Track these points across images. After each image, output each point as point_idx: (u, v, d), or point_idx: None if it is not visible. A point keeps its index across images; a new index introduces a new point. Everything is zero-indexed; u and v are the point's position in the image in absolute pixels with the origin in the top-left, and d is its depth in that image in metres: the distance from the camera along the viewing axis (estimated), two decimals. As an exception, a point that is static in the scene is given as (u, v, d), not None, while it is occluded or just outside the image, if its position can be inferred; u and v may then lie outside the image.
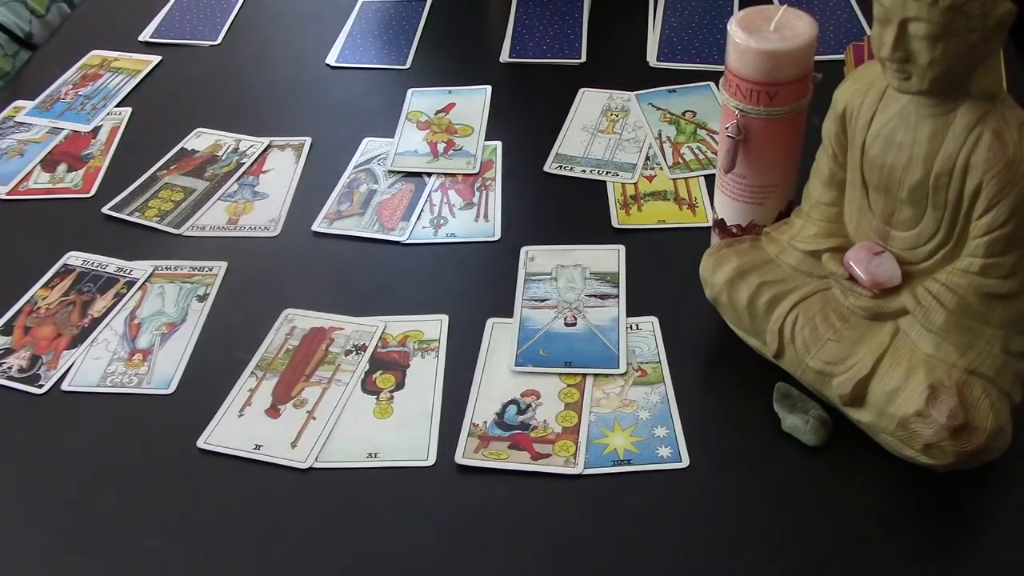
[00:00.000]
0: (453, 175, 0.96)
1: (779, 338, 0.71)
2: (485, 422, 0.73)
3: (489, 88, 1.07)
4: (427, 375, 0.77)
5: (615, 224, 0.89)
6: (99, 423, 0.75)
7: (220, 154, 1.00)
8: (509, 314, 0.81)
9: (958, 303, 0.64)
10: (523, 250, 0.87)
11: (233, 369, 0.78)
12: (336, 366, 0.78)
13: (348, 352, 0.79)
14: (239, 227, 0.92)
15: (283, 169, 0.98)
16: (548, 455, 0.70)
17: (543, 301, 0.82)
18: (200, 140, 1.03)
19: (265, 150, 1.01)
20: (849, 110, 0.68)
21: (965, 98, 0.62)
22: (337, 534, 0.67)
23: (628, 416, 0.73)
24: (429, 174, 0.96)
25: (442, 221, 0.91)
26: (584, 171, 0.96)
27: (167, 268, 0.87)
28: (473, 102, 1.06)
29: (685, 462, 0.70)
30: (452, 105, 1.05)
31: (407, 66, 1.12)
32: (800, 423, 0.70)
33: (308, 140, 1.02)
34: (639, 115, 1.02)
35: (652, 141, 0.98)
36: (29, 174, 0.99)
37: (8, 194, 0.97)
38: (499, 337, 0.79)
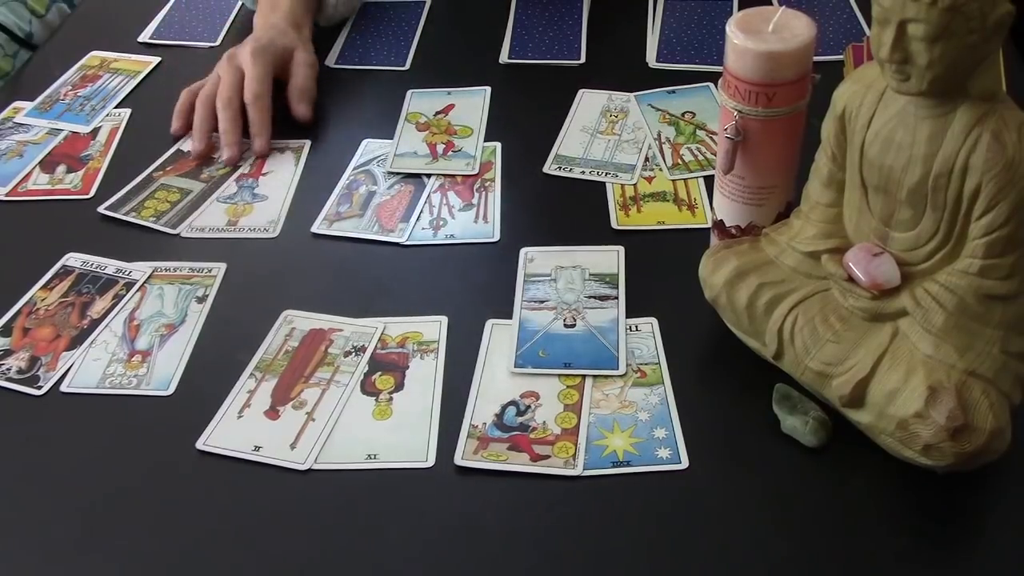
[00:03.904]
0: (452, 176, 0.96)
1: (778, 339, 0.71)
2: (484, 423, 0.73)
3: (489, 89, 1.07)
4: (426, 376, 0.77)
5: (614, 225, 0.89)
6: (98, 425, 0.75)
7: (217, 156, 1.00)
8: (508, 315, 0.81)
9: (957, 304, 0.64)
10: (522, 251, 0.87)
11: (232, 370, 0.78)
12: (335, 367, 0.78)
13: (347, 353, 0.79)
14: (239, 228, 0.92)
15: (282, 171, 0.98)
16: (547, 456, 0.70)
17: (542, 302, 0.82)
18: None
19: (264, 151, 1.01)
20: (848, 111, 0.68)
21: (964, 99, 0.61)
22: (336, 535, 0.67)
23: (627, 417, 0.73)
24: (428, 175, 0.96)
25: (441, 222, 0.91)
26: (583, 172, 0.96)
27: (166, 269, 0.87)
28: (472, 103, 1.05)
29: (684, 463, 0.70)
30: (451, 106, 1.05)
31: (407, 67, 1.12)
32: (800, 424, 0.70)
33: (307, 142, 1.02)
34: (638, 116, 1.02)
35: (651, 142, 0.98)
36: (28, 175, 0.99)
37: (7, 195, 0.97)
38: (498, 338, 0.79)
